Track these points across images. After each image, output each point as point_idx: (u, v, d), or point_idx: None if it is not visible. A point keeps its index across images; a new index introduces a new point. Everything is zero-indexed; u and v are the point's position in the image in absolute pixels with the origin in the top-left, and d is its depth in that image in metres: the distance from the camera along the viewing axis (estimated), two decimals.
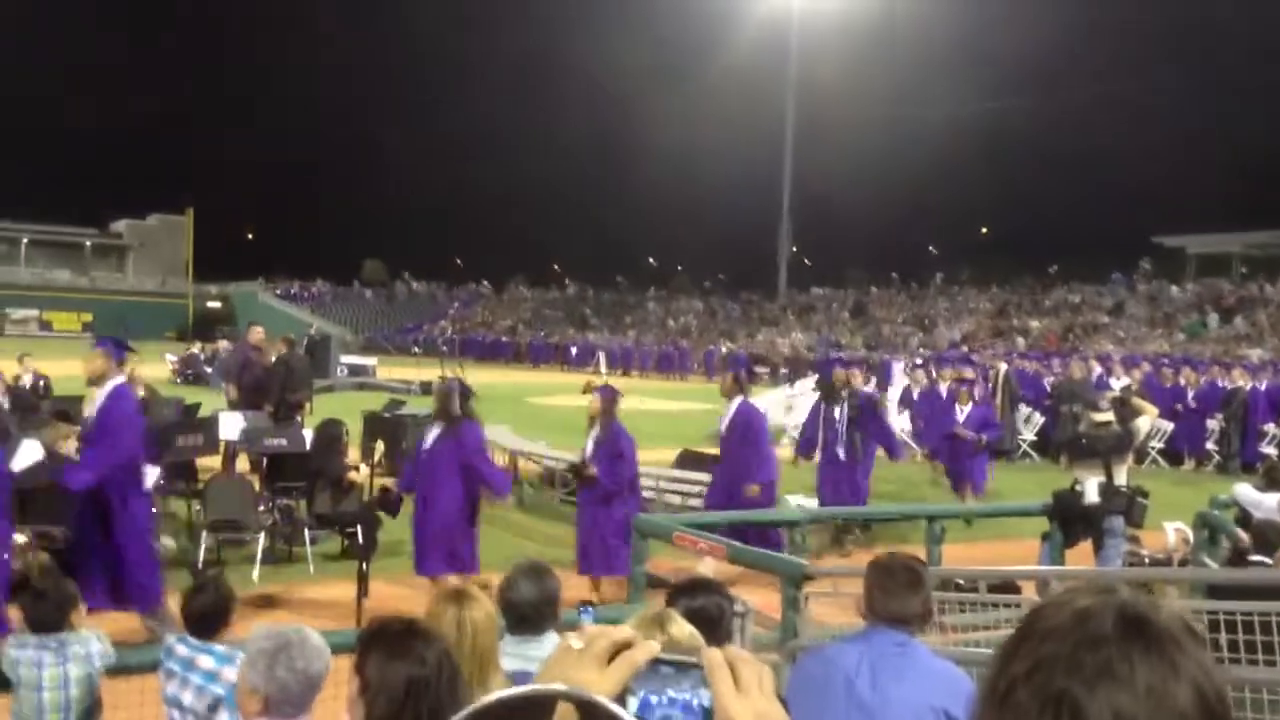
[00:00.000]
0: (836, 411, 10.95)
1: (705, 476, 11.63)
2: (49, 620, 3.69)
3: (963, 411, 12.57)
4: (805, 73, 56.43)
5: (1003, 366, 18.92)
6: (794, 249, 59.25)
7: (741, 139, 65.50)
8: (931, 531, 6.74)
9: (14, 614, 6.40)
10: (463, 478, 7.66)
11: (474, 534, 7.88)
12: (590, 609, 3.76)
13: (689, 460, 13.53)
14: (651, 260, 75.34)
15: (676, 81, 73.63)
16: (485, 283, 74.45)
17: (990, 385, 17.19)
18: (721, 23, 57.90)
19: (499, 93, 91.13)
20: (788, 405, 19.58)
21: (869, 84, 63.41)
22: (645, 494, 10.26)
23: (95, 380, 6.90)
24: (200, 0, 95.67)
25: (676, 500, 11.34)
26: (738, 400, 9.45)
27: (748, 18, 55.39)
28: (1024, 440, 18.99)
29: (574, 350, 50.33)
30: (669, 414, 24.77)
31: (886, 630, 3.06)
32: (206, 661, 3.60)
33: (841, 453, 10.76)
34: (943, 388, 13.53)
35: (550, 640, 3.31)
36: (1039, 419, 19.19)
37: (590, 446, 8.46)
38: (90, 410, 6.96)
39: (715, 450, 12.97)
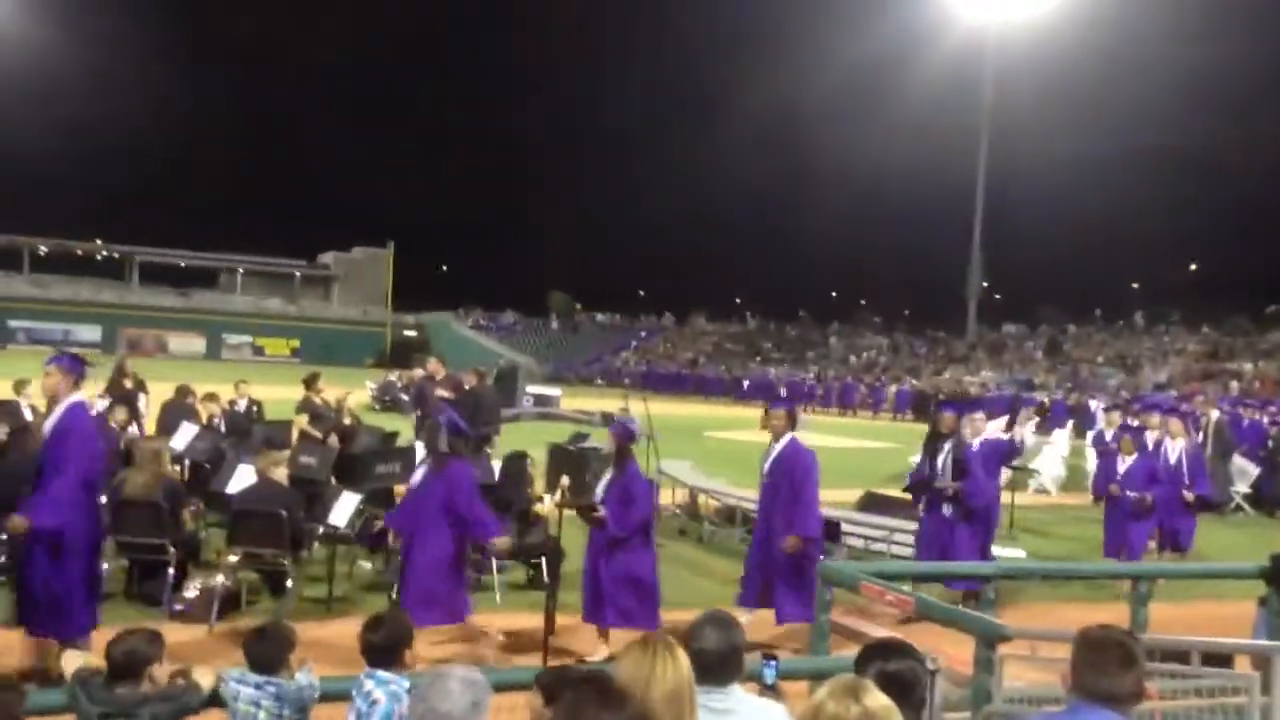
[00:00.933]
0: (939, 461, 9.66)
1: (891, 521, 11.34)
2: (268, 660, 3.81)
3: (1125, 463, 11.49)
4: (1001, 100, 54.85)
5: (1214, 413, 17.74)
6: (985, 283, 57.40)
7: (931, 170, 64.23)
8: (1136, 593, 6.35)
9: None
10: (450, 520, 7.16)
11: (463, 579, 7.37)
12: (774, 662, 3.68)
13: (873, 503, 13.23)
14: (834, 294, 74.54)
15: (864, 113, 72.93)
16: (668, 314, 75.30)
17: (1201, 433, 16.13)
18: (913, 52, 57.01)
19: (684, 127, 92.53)
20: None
21: (1069, 111, 61.18)
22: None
23: (51, 398, 6.41)
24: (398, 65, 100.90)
25: (859, 544, 11.08)
26: (787, 438, 8.30)
27: (940, 47, 54.38)
28: (1238, 492, 17.75)
29: (746, 383, 50.21)
30: (847, 451, 24.34)
31: (1094, 708, 2.89)
32: (368, 684, 3.72)
33: (946, 508, 9.54)
34: (1149, 434, 12.48)
35: (734, 693, 3.25)
36: (1253, 470, 17.90)
37: (603, 486, 7.77)
38: (46, 427, 6.42)
39: (900, 493, 12.50)
